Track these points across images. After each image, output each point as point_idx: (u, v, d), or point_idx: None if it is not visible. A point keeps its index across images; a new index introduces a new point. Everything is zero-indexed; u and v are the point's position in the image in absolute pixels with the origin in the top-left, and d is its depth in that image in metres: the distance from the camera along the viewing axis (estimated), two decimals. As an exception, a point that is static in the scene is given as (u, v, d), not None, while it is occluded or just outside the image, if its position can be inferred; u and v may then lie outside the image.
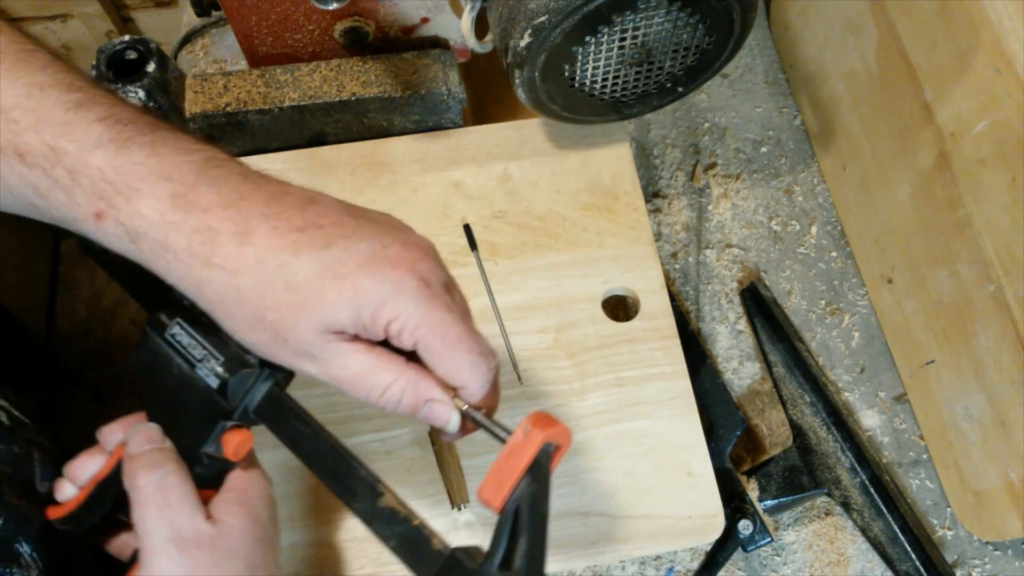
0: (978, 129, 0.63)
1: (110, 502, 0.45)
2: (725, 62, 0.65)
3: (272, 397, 0.42)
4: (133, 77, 0.64)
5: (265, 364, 0.42)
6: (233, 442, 0.43)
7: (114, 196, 0.37)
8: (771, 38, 0.97)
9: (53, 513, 0.47)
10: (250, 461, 0.46)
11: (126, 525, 0.46)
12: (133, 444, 0.43)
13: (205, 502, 0.43)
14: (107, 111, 0.39)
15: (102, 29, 0.99)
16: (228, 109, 0.68)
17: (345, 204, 0.40)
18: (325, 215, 0.39)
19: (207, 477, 0.43)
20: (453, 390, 0.40)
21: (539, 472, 0.37)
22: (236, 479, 0.45)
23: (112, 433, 0.46)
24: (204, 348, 0.42)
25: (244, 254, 0.37)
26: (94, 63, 0.65)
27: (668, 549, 0.65)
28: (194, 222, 0.37)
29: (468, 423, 0.40)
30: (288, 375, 0.43)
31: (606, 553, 0.61)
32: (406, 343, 0.38)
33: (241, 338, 0.39)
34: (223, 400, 0.41)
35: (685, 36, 0.61)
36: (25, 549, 0.46)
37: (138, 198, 0.37)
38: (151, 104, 0.65)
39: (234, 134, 0.70)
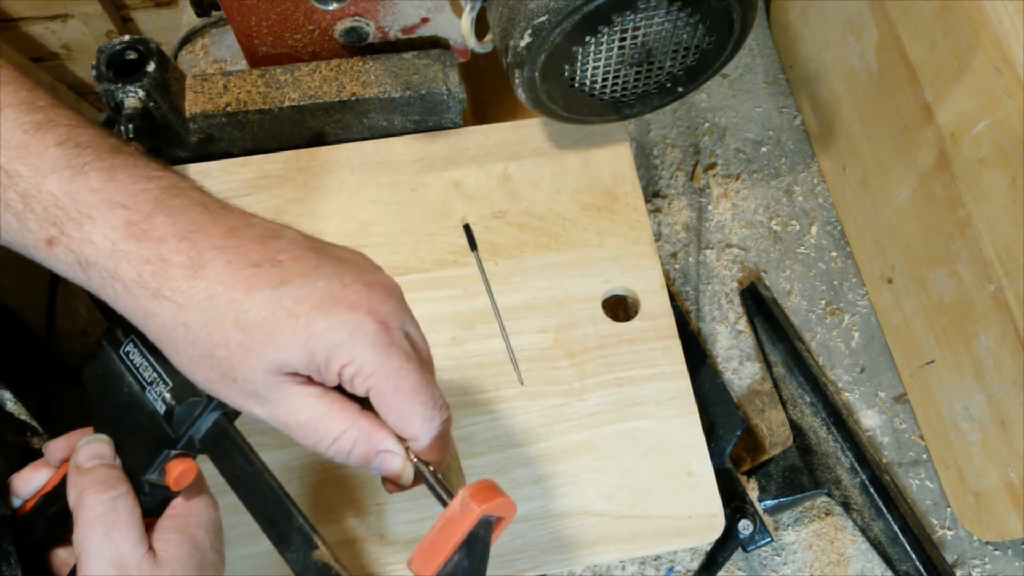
0: (978, 129, 0.63)
1: (52, 517, 0.44)
2: (725, 62, 0.65)
3: (218, 429, 0.41)
4: (133, 77, 0.64)
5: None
6: (176, 471, 0.41)
7: (66, 223, 0.36)
8: (771, 38, 0.97)
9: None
10: (195, 488, 0.45)
11: (65, 541, 0.46)
12: (82, 456, 0.41)
13: (147, 526, 0.42)
14: (67, 134, 0.37)
15: (102, 29, 0.99)
16: (228, 109, 0.68)
17: (310, 240, 0.39)
18: (285, 250, 0.37)
19: (149, 504, 0.42)
20: (402, 441, 0.39)
21: (475, 546, 0.35)
22: (177, 507, 0.44)
23: (58, 449, 0.45)
24: (155, 371, 0.41)
25: (195, 288, 0.35)
26: (94, 63, 0.65)
27: (668, 549, 0.65)
28: (146, 252, 0.36)
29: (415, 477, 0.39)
30: (228, 407, 0.42)
31: (606, 553, 0.61)
32: (359, 389, 0.37)
33: (189, 374, 0.38)
34: (168, 427, 0.40)
35: (685, 36, 0.61)
36: (13, 550, 0.46)
37: (91, 225, 0.36)
38: (151, 104, 0.65)
39: (234, 134, 0.70)
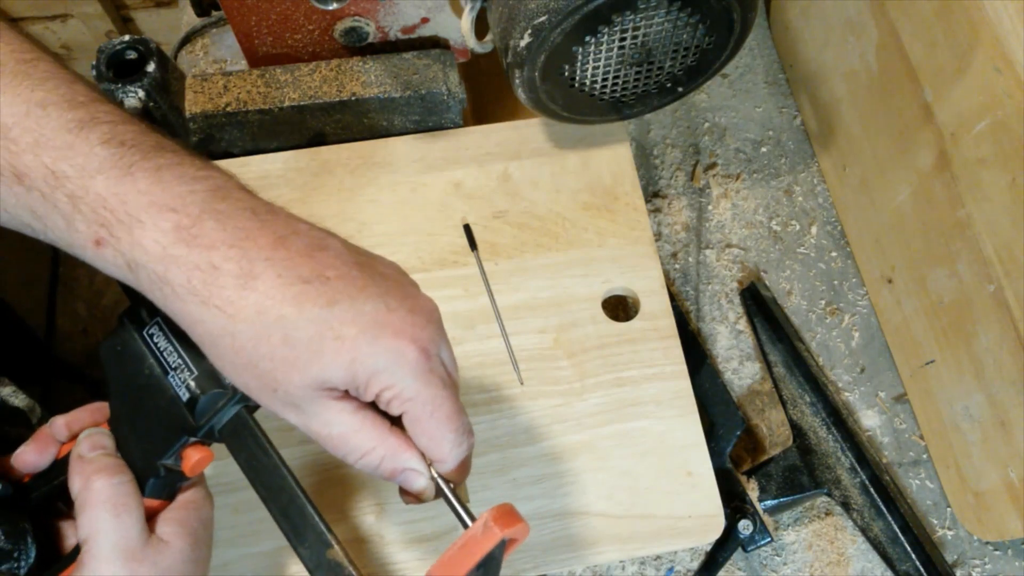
0: (978, 129, 0.63)
1: (51, 491, 0.45)
2: (725, 62, 0.65)
3: (240, 421, 0.41)
4: (133, 77, 0.64)
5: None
6: (193, 458, 0.42)
7: (115, 225, 0.36)
8: (771, 38, 0.97)
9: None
10: (199, 478, 0.46)
11: (63, 515, 0.46)
12: (85, 447, 0.42)
13: (151, 512, 0.43)
14: (110, 132, 0.37)
15: (102, 29, 0.99)
16: (228, 109, 0.68)
17: (354, 252, 0.39)
18: (333, 266, 0.37)
19: (158, 487, 0.43)
20: (428, 460, 0.40)
21: (491, 566, 0.37)
22: (184, 498, 0.45)
23: (64, 425, 0.46)
24: (180, 357, 0.41)
25: (245, 300, 0.35)
26: (94, 63, 0.65)
27: (668, 549, 0.65)
28: (196, 258, 0.36)
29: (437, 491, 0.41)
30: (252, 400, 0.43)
31: (606, 553, 0.61)
32: (394, 411, 0.38)
33: (228, 377, 0.39)
34: (190, 415, 0.40)
35: (685, 36, 0.61)
36: (29, 527, 0.46)
37: (140, 229, 0.36)
38: (151, 104, 0.65)
39: (234, 134, 0.70)
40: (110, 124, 0.38)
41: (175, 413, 0.41)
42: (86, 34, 0.99)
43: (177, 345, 0.41)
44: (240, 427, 0.41)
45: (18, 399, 0.55)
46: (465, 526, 0.38)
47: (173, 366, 0.41)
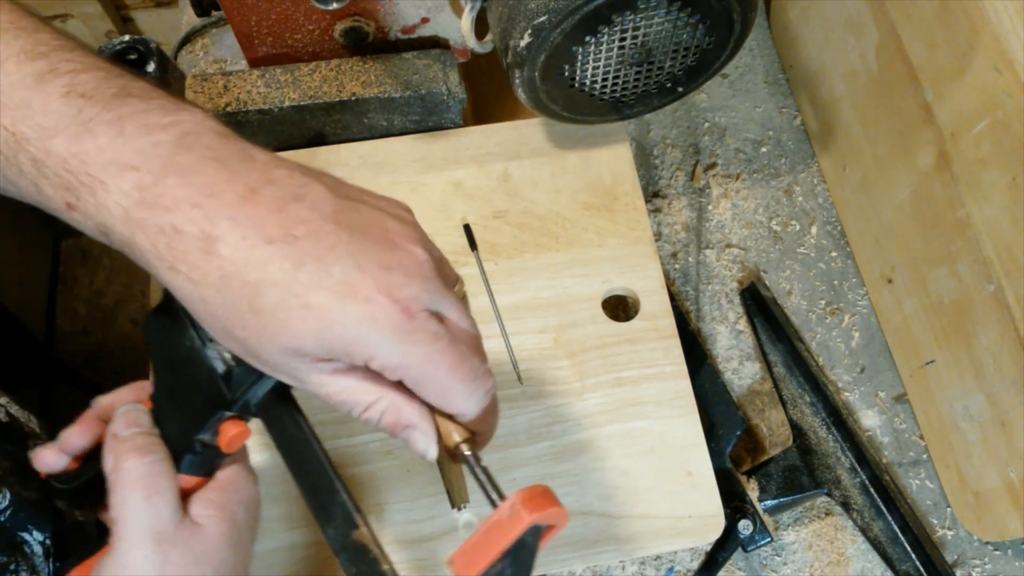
0: (978, 129, 0.63)
1: (94, 479, 0.43)
2: (725, 62, 0.65)
3: (275, 395, 0.40)
4: (133, 77, 0.64)
5: None
6: (229, 433, 0.40)
7: (79, 188, 0.34)
8: (771, 38, 0.97)
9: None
10: (240, 459, 0.44)
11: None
12: (119, 425, 0.41)
13: (188, 491, 0.41)
14: (69, 83, 0.35)
15: (102, 29, 0.99)
16: (228, 109, 0.68)
17: (336, 199, 0.36)
18: (304, 221, 0.34)
19: (196, 464, 0.42)
20: (449, 416, 0.38)
21: (522, 555, 0.33)
22: (223, 478, 0.43)
23: (113, 404, 0.44)
24: None
25: (209, 265, 0.33)
26: (94, 63, 0.65)
27: (668, 549, 0.65)
28: (159, 221, 0.33)
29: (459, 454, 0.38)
30: None
31: (606, 553, 0.61)
32: (391, 378, 0.36)
33: (217, 339, 0.37)
34: (226, 388, 0.39)
35: (685, 36, 0.61)
36: (36, 537, 0.45)
37: (103, 191, 0.34)
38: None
39: (234, 134, 0.70)
40: (70, 74, 0.35)
41: (212, 386, 0.40)
42: (86, 34, 0.99)
43: None
44: (275, 402, 0.40)
45: (12, 408, 0.55)
46: (493, 506, 0.35)
47: (210, 337, 0.39)
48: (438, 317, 0.36)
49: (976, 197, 0.65)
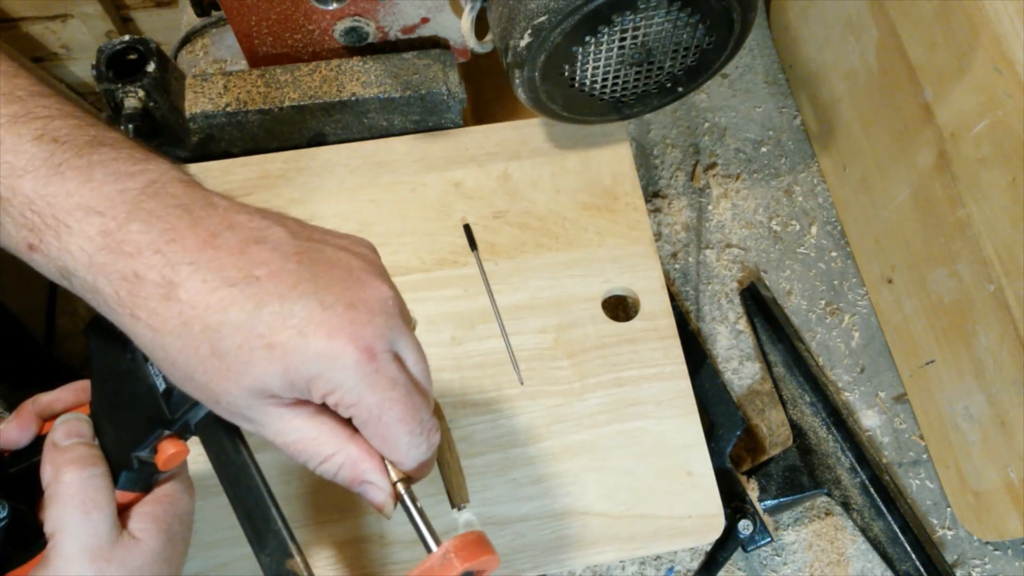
0: (978, 129, 0.63)
1: (34, 462, 0.43)
2: (725, 62, 0.65)
3: (215, 416, 0.39)
4: (133, 77, 0.64)
5: None
6: (167, 452, 0.40)
7: (44, 230, 0.34)
8: (771, 38, 0.97)
9: None
10: (178, 473, 0.44)
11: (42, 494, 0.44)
12: (59, 434, 0.40)
13: (124, 505, 0.41)
14: (43, 127, 0.35)
15: (102, 29, 0.98)
16: (228, 109, 0.68)
17: (298, 240, 0.36)
18: (266, 262, 0.34)
19: (132, 480, 0.41)
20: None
21: None
22: (162, 491, 0.42)
23: (47, 404, 0.44)
24: None
25: (169, 311, 0.33)
26: (94, 63, 0.65)
27: (668, 549, 0.65)
28: (121, 267, 0.33)
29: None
30: None
31: (606, 553, 0.61)
32: (344, 415, 0.36)
33: (178, 386, 0.37)
34: (166, 407, 0.39)
35: (685, 36, 0.61)
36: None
37: (68, 235, 0.34)
38: (151, 104, 0.65)
39: (234, 134, 0.70)
40: (45, 119, 0.35)
41: (152, 404, 0.39)
42: (86, 34, 0.99)
43: None
44: (214, 423, 0.40)
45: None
46: (428, 551, 0.36)
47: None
48: (398, 359, 0.36)
49: (976, 197, 0.65)
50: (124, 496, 0.41)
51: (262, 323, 0.33)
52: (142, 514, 0.41)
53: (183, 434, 0.41)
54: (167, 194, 0.35)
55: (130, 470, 0.40)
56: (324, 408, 0.36)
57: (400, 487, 0.38)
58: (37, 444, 0.44)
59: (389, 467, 0.38)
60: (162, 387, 0.39)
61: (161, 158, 0.37)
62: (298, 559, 0.37)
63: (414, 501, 0.38)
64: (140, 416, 0.40)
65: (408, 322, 0.38)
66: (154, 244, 0.33)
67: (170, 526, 0.41)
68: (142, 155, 0.36)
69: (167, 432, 0.40)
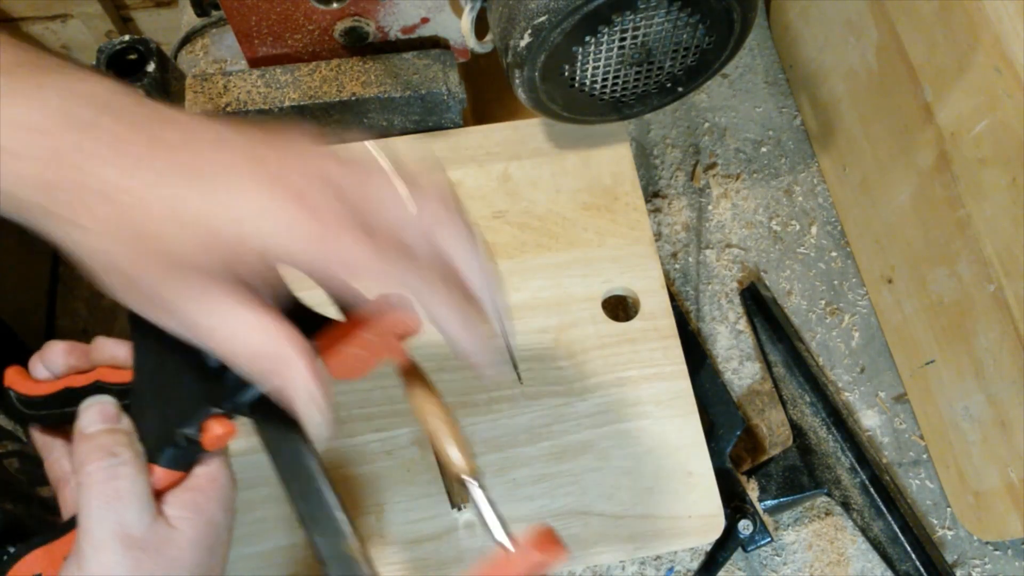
0: (978, 129, 0.63)
1: (70, 412, 0.42)
2: (725, 62, 0.65)
3: (272, 403, 0.38)
4: (133, 77, 0.64)
5: None
6: (214, 431, 0.39)
7: None
8: (771, 38, 0.97)
9: (25, 388, 0.44)
10: (220, 458, 0.42)
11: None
12: (86, 420, 0.39)
13: (164, 488, 0.40)
14: None
15: (102, 29, 0.99)
16: (228, 109, 0.68)
17: (247, 140, 0.34)
18: (213, 161, 0.33)
19: (175, 458, 0.40)
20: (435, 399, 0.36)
21: None
22: (201, 477, 0.41)
23: (58, 356, 0.43)
24: None
25: (111, 214, 0.32)
26: (94, 63, 0.65)
27: (668, 549, 0.65)
28: (68, 179, 0.33)
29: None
30: None
31: (606, 553, 0.61)
32: (303, 270, 0.33)
33: (123, 300, 0.35)
34: (219, 384, 0.38)
35: (685, 36, 0.61)
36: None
37: (14, 160, 0.33)
38: (151, 104, 0.65)
39: (234, 134, 0.70)
40: None
41: (203, 379, 0.38)
42: (86, 34, 0.99)
43: None
44: (269, 402, 0.38)
45: None
46: (495, 541, 0.36)
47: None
48: (341, 196, 0.33)
49: (976, 197, 0.65)
50: (165, 475, 0.40)
51: (194, 200, 0.32)
52: (180, 500, 0.40)
53: (233, 414, 0.39)
54: (118, 107, 0.34)
55: (175, 447, 0.39)
56: (253, 293, 0.34)
57: (467, 480, 0.37)
58: (61, 396, 0.43)
59: (458, 457, 0.37)
60: (216, 363, 0.38)
61: (103, 76, 0.36)
62: (354, 542, 0.36)
63: (480, 485, 0.37)
64: (189, 392, 0.39)
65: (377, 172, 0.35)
66: (99, 153, 0.33)
67: (211, 514, 0.40)
68: (87, 74, 0.35)
69: (216, 410, 0.39)
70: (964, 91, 0.64)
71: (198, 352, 0.38)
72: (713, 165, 0.90)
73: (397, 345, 0.39)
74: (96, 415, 0.40)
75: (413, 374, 0.42)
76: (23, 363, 0.46)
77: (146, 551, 0.37)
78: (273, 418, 0.39)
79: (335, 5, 0.65)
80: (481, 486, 0.37)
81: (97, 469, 0.37)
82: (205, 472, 0.41)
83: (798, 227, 0.87)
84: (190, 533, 0.39)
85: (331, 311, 0.40)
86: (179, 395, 0.39)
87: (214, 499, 0.40)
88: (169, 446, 0.39)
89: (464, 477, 0.37)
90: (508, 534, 0.36)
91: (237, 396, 0.39)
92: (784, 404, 0.76)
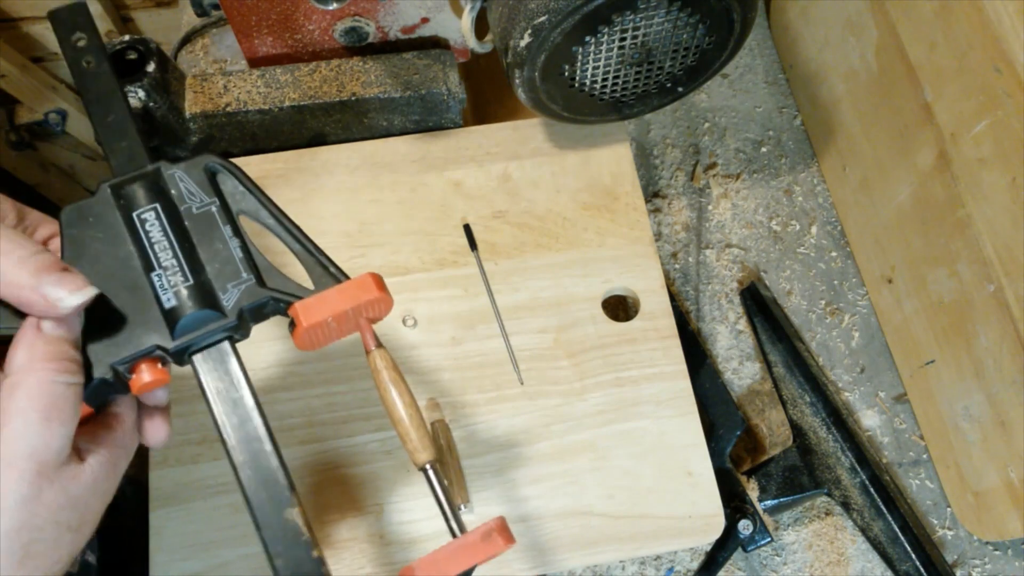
0: (978, 129, 0.63)
1: None
2: (725, 62, 0.65)
3: (221, 351, 0.36)
4: (133, 77, 0.64)
5: (240, 316, 0.35)
6: (147, 376, 0.35)
7: None
8: (771, 38, 0.97)
9: None
10: (132, 401, 0.40)
11: None
12: (49, 324, 0.35)
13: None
14: None
15: (102, 29, 0.99)
16: (228, 109, 0.68)
17: None
18: None
19: (96, 392, 0.36)
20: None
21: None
22: (118, 420, 0.38)
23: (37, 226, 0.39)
24: (175, 258, 0.35)
25: None
26: (94, 63, 0.65)
27: (668, 549, 0.65)
28: None
29: None
30: (244, 333, 0.38)
31: (606, 553, 0.61)
32: None
33: None
34: (167, 326, 0.35)
35: (685, 36, 0.61)
36: (91, 559, 0.44)
37: None
38: (151, 104, 0.65)
39: (234, 134, 0.70)
40: None
41: (146, 316, 0.35)
42: (86, 34, 0.99)
43: (176, 243, 0.35)
44: (218, 357, 0.36)
45: None
46: (453, 534, 0.37)
47: (163, 265, 0.35)
48: None
49: (976, 197, 0.65)
50: (82, 408, 0.36)
51: None
52: (97, 436, 0.37)
53: (172, 360, 0.37)
54: None
55: (100, 381, 0.36)
56: None
57: (428, 467, 0.38)
58: None
59: (421, 446, 0.38)
60: (169, 305, 0.35)
61: None
62: (299, 510, 0.35)
63: (440, 481, 0.37)
64: (127, 327, 0.35)
65: None
66: None
67: (117, 459, 0.37)
68: None
69: (158, 352, 0.36)
70: (964, 91, 0.64)
71: (146, 285, 0.35)
72: (713, 165, 0.90)
73: (367, 326, 0.39)
74: (61, 323, 0.35)
75: (381, 360, 0.41)
76: None
77: (53, 483, 0.34)
78: (220, 373, 0.36)
79: (335, 5, 0.65)
80: (436, 474, 0.38)
81: (48, 380, 0.34)
82: (122, 415, 0.39)
83: (798, 227, 0.87)
84: (95, 473, 0.36)
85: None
86: (112, 321, 0.36)
87: (122, 444, 0.38)
88: (94, 379, 0.36)
89: (422, 465, 0.38)
90: (458, 522, 0.37)
91: (186, 343, 0.36)
92: (784, 404, 0.76)
